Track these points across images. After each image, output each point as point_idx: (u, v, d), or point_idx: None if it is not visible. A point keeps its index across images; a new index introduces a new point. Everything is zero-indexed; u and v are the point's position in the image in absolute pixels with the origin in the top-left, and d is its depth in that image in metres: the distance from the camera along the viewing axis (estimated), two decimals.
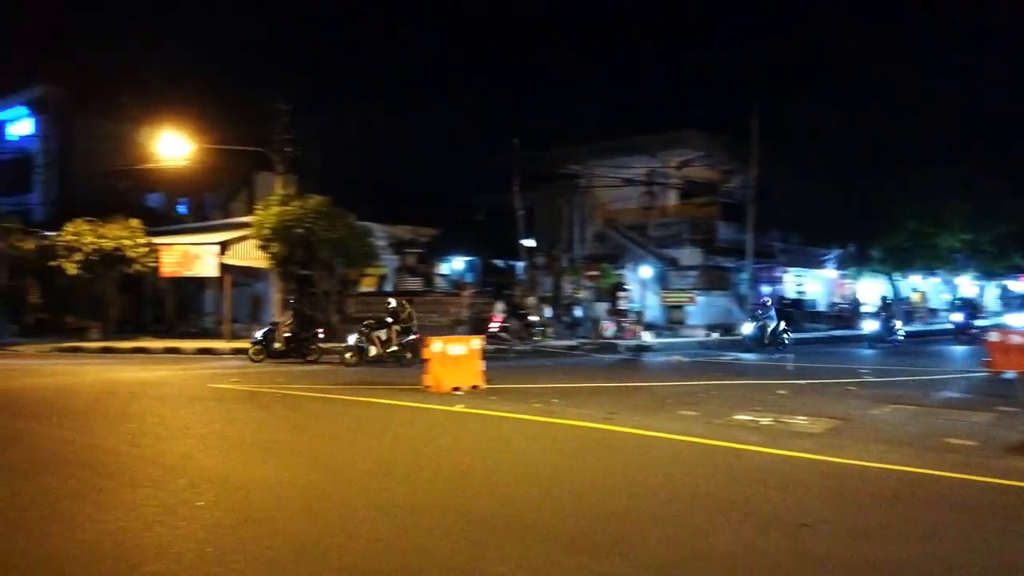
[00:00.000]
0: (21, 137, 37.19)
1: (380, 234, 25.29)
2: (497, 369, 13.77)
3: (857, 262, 32.89)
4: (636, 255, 28.89)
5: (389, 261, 26.19)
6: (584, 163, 29.80)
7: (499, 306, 21.30)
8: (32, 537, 4.55)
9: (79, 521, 4.83)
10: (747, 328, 21.24)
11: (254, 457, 7.03)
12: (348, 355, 15.58)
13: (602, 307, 25.40)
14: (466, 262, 30.69)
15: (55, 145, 35.24)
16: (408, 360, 15.27)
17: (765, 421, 8.88)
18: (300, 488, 5.78)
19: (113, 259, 22.23)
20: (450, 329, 20.48)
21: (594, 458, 7.08)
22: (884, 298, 25.44)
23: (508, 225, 25.81)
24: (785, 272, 32.57)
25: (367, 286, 24.66)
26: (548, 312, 23.96)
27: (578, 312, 25.62)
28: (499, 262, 30.95)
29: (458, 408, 9.79)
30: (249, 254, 21.88)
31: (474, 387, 11.56)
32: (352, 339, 15.79)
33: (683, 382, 13.37)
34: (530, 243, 26.39)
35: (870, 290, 34.50)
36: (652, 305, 27.38)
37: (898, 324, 23.23)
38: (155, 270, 23.36)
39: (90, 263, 21.99)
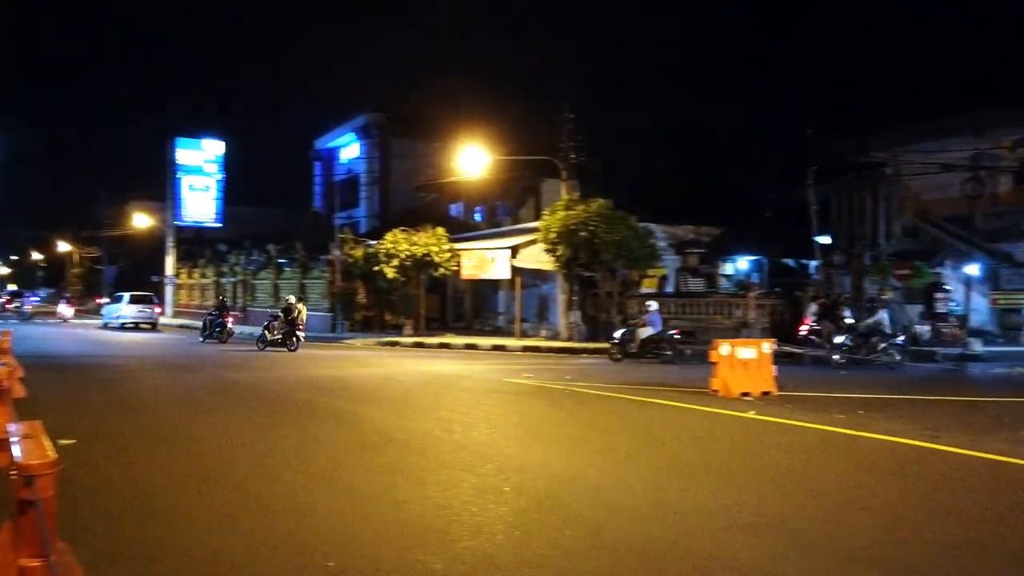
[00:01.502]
0: (350, 160, 43.67)
1: (661, 235, 25.13)
2: (790, 375, 12.89)
3: None
4: (957, 251, 25.15)
5: (670, 262, 25.91)
6: (891, 149, 26.65)
7: (811, 308, 19.85)
8: (371, 501, 5.22)
9: (406, 495, 5.43)
10: None
11: (551, 449, 7.36)
12: (258, 341, 20.33)
13: (914, 310, 22.54)
14: (751, 262, 29.23)
15: (376, 165, 40.76)
16: (291, 347, 19.54)
17: None
18: (594, 482, 5.93)
19: (423, 264, 24.99)
20: (735, 332, 19.66)
21: (911, 479, 6.26)
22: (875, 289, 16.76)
23: (798, 222, 24.02)
24: None
25: (648, 287, 24.64)
26: (848, 315, 21.87)
27: (884, 315, 22.99)
28: (789, 261, 28.99)
29: (749, 414, 9.32)
30: (537, 257, 23.11)
31: (765, 393, 10.94)
32: (259, 330, 20.49)
33: None
34: (825, 240, 24.29)
35: None
36: (979, 308, 23.69)
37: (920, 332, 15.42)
38: (456, 273, 25.86)
39: (404, 267, 24.95)
